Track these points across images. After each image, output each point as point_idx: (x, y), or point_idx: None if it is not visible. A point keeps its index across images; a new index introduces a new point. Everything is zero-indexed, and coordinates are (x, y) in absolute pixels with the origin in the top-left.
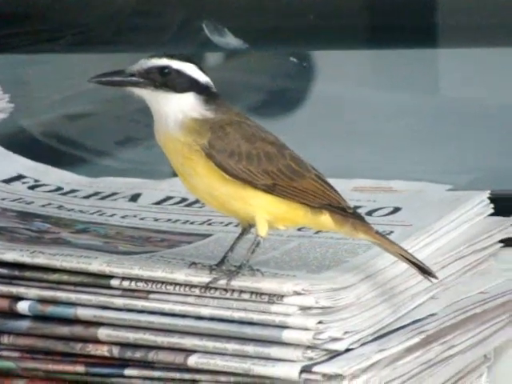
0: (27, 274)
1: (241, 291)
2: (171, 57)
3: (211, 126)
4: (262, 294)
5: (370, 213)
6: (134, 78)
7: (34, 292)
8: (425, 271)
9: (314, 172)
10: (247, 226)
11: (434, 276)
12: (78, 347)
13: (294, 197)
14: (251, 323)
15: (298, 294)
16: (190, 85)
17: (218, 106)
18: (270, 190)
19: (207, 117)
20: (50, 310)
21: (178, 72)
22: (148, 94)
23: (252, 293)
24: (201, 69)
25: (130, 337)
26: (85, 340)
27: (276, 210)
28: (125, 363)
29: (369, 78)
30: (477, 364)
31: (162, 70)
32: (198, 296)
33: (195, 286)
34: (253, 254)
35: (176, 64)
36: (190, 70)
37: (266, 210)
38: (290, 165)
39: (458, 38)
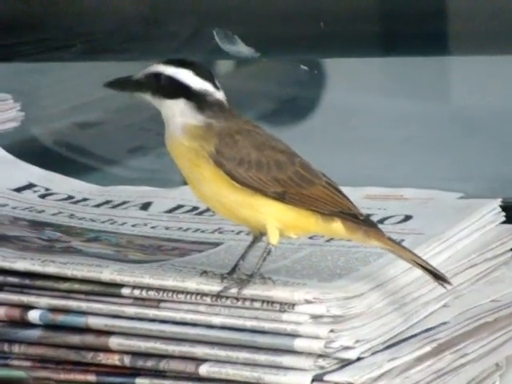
0: (38, 282)
1: (252, 300)
2: (170, 63)
3: (219, 133)
4: (273, 302)
5: (381, 221)
6: (137, 84)
7: (45, 301)
8: (439, 277)
9: (325, 179)
10: (258, 235)
11: (449, 282)
12: (89, 356)
13: (305, 204)
14: (262, 332)
15: (309, 302)
16: (181, 91)
17: (216, 112)
18: (280, 197)
19: (210, 123)
20: (61, 319)
21: (169, 78)
22: (151, 100)
23: (263, 301)
24: (201, 74)
25: (141, 346)
26: (96, 349)
27: (287, 218)
28: (136, 372)
29: (380, 85)
30: (489, 373)
31: (156, 76)
32: (210, 305)
33: (206, 295)
34: (264, 263)
35: (169, 70)
36: (182, 75)
37: (277, 218)
38: (300, 172)
39: (470, 46)
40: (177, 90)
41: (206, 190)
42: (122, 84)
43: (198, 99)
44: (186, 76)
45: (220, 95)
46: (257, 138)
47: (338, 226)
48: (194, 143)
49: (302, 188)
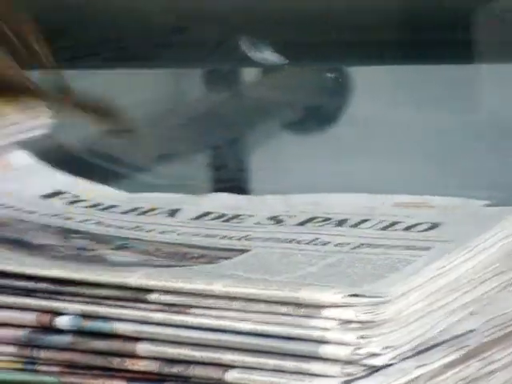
0: (67, 289)
1: (280, 303)
2: None
3: None
4: (300, 306)
5: (407, 228)
6: None
7: (73, 307)
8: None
9: None
10: None
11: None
12: (116, 362)
13: None
14: (289, 338)
15: (337, 306)
16: None
17: None
18: None
19: None
20: (90, 324)
21: None
22: None
23: (290, 305)
24: None
25: (168, 352)
26: (123, 355)
27: None
28: (163, 378)
29: (406, 93)
30: None
31: None
32: (238, 310)
33: (236, 299)
34: None
35: None
36: None
37: None
38: None
39: (498, 53)
40: None
41: None
42: None
43: None
44: None
45: None
46: None
47: None
48: None
49: None
